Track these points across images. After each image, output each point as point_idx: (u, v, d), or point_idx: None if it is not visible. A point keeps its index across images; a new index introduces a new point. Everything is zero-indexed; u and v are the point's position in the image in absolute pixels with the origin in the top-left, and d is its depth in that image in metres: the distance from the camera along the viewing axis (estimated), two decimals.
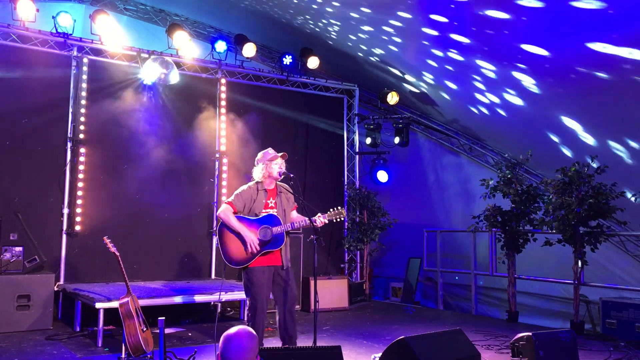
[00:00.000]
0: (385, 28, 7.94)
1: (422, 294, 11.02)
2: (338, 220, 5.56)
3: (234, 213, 5.47)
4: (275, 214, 5.53)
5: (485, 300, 9.98)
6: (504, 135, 9.56)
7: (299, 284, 8.81)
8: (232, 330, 2.91)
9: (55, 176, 8.03)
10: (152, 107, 8.71)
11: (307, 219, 5.41)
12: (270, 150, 5.66)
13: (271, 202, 5.58)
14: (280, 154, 5.60)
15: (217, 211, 8.93)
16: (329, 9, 8.19)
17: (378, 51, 9.12)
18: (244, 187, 5.63)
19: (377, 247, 10.55)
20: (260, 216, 5.48)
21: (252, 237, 5.38)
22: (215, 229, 8.93)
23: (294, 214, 5.74)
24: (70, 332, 7.07)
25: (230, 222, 5.42)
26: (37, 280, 7.22)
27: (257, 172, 5.62)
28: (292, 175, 5.51)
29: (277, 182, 5.69)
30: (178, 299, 6.89)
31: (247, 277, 5.46)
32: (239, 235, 5.41)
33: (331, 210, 5.52)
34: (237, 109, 9.52)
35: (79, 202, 8.08)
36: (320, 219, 5.44)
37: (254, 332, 2.95)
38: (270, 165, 5.55)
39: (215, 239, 8.89)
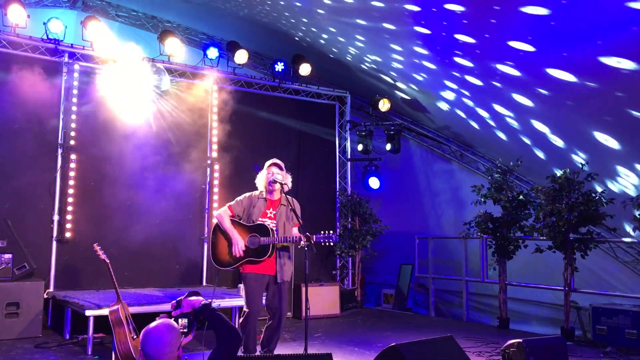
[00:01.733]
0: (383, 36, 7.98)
1: (413, 300, 11.02)
2: (327, 244, 5.45)
3: (231, 217, 5.52)
4: (273, 225, 5.51)
5: (476, 306, 10.00)
6: (495, 142, 9.60)
7: (290, 291, 8.78)
8: (152, 324, 2.94)
9: (45, 183, 7.98)
10: (143, 114, 8.67)
11: (301, 235, 5.33)
12: (272, 160, 5.70)
13: (270, 213, 5.57)
14: (271, 162, 5.62)
15: (209, 217, 8.95)
16: (320, 10, 8.22)
17: (372, 58, 9.15)
18: (247, 194, 5.69)
19: (368, 253, 10.55)
20: (253, 224, 5.49)
21: (239, 241, 5.41)
22: (206, 235, 8.91)
23: (295, 230, 5.63)
24: (60, 339, 7.02)
25: (223, 223, 5.49)
26: (27, 288, 7.17)
27: (259, 181, 5.68)
28: (283, 183, 5.49)
29: (284, 195, 5.61)
30: (168, 306, 6.84)
31: (243, 283, 5.54)
32: (228, 237, 5.45)
33: (323, 232, 5.42)
34: (229, 116, 9.50)
35: (69, 208, 8.03)
36: (304, 242, 5.25)
37: (174, 324, 2.97)
38: (265, 174, 5.59)
39: (206, 246, 8.87)
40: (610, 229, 7.62)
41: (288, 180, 5.65)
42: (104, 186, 8.32)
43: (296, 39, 9.74)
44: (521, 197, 8.32)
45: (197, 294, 3.47)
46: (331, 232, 5.46)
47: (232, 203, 5.63)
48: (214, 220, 5.66)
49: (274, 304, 5.54)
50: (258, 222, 5.50)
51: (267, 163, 5.67)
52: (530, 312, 9.29)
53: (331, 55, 9.85)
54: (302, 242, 5.24)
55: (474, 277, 9.58)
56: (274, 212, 5.59)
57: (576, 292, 7.83)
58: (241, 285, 5.85)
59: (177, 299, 3.45)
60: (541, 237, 7.82)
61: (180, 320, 3.31)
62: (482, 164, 10.16)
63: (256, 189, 5.71)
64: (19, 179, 7.77)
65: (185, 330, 3.29)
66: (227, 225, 5.46)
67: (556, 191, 7.53)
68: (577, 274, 7.70)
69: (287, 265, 5.59)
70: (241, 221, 5.54)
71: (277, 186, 5.55)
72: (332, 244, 5.52)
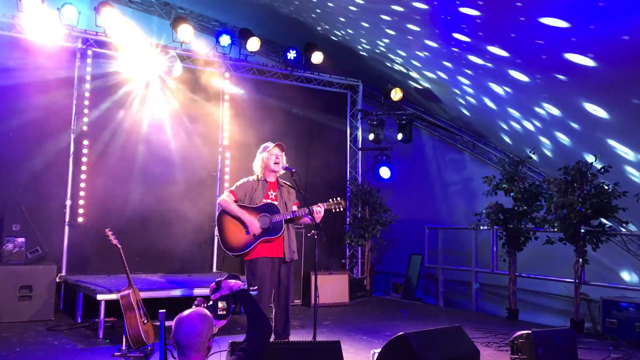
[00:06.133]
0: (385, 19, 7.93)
1: (422, 290, 11.03)
2: (337, 210, 5.52)
3: (235, 201, 5.49)
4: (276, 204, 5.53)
5: (485, 297, 9.98)
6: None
7: (299, 279, 8.83)
8: (185, 312, 2.89)
9: (58, 168, 8.05)
10: (155, 100, 8.72)
11: (306, 208, 5.40)
12: (269, 143, 5.67)
13: (272, 194, 5.59)
14: (275, 144, 5.60)
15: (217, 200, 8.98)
16: (330, 4, 8.18)
17: (382, 44, 9.10)
18: (245, 178, 5.66)
19: (378, 243, 10.55)
20: (260, 205, 5.49)
21: (252, 219, 5.39)
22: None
23: (294, 208, 5.72)
24: (72, 323, 7.11)
25: (230, 208, 5.44)
26: (39, 271, 7.26)
27: (256, 165, 5.66)
28: (294, 170, 5.51)
29: (279, 178, 5.69)
30: (178, 292, 6.92)
31: (250, 270, 5.45)
32: (239, 221, 5.42)
33: (331, 200, 5.51)
34: (241, 103, 9.52)
35: (81, 193, 8.11)
36: (317, 209, 5.39)
37: (207, 314, 2.92)
38: (267, 156, 5.56)
39: (216, 231, 8.91)
40: (622, 221, 7.55)
41: (284, 161, 5.65)
42: (115, 172, 8.38)
43: (308, 26, 9.69)
44: (533, 188, 8.27)
45: (236, 277, 3.43)
46: (338, 198, 5.50)
47: (233, 188, 5.59)
48: (219, 207, 5.61)
49: (281, 288, 5.52)
50: (264, 202, 5.50)
51: (269, 146, 5.60)
52: (539, 304, 9.26)
53: (344, 44, 9.80)
54: (317, 212, 5.33)
55: (483, 268, 9.56)
56: (275, 193, 5.62)
57: (586, 284, 7.79)
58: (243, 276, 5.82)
59: (217, 280, 3.40)
60: (552, 229, 7.77)
61: (220, 303, 3.25)
62: (494, 155, 10.10)
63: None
64: (32, 164, 7.84)
65: (224, 312, 3.24)
66: (235, 209, 5.43)
67: (568, 183, 7.47)
68: (588, 267, 7.66)
69: (293, 243, 5.61)
70: (245, 204, 5.52)
71: (281, 171, 5.57)
72: (341, 209, 5.53)
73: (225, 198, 5.51)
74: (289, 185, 5.75)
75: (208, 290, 3.45)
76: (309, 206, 5.35)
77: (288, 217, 5.48)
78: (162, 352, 3.02)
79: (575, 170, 7.39)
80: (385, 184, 10.83)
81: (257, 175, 5.63)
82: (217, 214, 5.66)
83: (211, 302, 3.31)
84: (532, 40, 6.33)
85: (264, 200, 5.52)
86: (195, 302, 3.24)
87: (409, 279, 10.79)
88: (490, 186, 8.48)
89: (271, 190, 5.60)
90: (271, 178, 5.63)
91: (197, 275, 8.37)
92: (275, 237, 5.44)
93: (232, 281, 3.34)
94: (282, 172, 5.63)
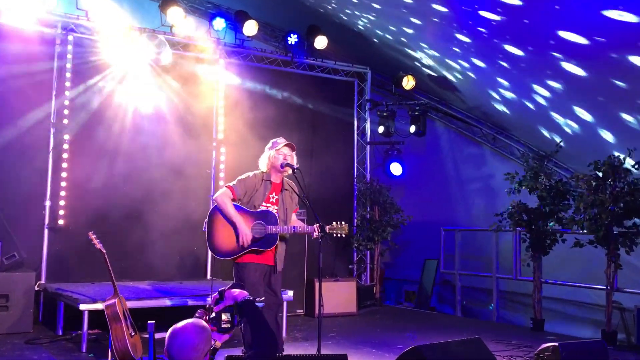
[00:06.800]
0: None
1: (438, 298, 11.03)
2: (339, 235, 5.51)
3: (233, 200, 5.49)
4: (275, 211, 5.53)
5: (508, 306, 9.98)
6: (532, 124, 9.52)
7: (302, 286, 8.83)
8: (180, 324, 2.87)
9: (37, 165, 8.05)
10: (143, 91, 8.71)
11: (306, 226, 5.42)
12: (280, 140, 5.67)
13: (273, 198, 5.59)
14: (286, 143, 5.60)
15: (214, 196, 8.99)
16: None
17: (392, 29, 9.09)
18: (250, 173, 5.66)
19: (389, 246, 10.55)
20: (258, 210, 5.49)
21: (246, 231, 5.39)
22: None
23: (293, 216, 5.75)
24: (52, 335, 7.12)
25: (226, 209, 5.43)
26: (17, 279, 7.27)
27: (262, 161, 5.67)
28: (296, 167, 5.51)
29: (285, 179, 5.69)
30: (168, 301, 6.93)
31: (238, 275, 5.49)
32: (232, 225, 5.43)
33: (335, 223, 5.49)
34: (237, 93, 9.51)
35: (62, 194, 8.12)
36: (316, 233, 5.39)
37: (205, 326, 2.91)
38: (275, 155, 5.56)
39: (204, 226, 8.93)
40: None
41: (294, 162, 5.66)
42: (100, 170, 8.36)
43: (310, 6, 9.68)
44: (560, 185, 8.25)
45: (241, 286, 3.41)
46: (343, 222, 5.48)
47: (233, 183, 5.57)
48: (214, 203, 5.62)
49: (271, 297, 5.56)
50: (263, 209, 5.50)
51: (279, 144, 5.62)
52: (567, 313, 9.26)
53: (350, 27, 9.78)
54: (314, 235, 5.31)
55: (505, 273, 9.56)
56: (277, 197, 5.62)
57: (619, 291, 7.78)
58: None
59: (219, 290, 3.36)
60: (581, 231, 7.76)
61: (223, 315, 3.23)
62: (517, 149, 10.09)
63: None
64: (8, 161, 7.85)
65: (228, 325, 3.23)
66: (231, 211, 5.42)
67: (599, 180, 7.45)
68: (620, 272, 7.64)
69: (283, 254, 5.67)
70: (241, 205, 5.53)
71: (290, 171, 5.56)
72: (344, 235, 5.52)
73: (223, 196, 5.49)
74: (292, 190, 5.75)
75: (200, 300, 3.44)
76: (310, 224, 5.39)
77: (284, 231, 5.50)
78: None
79: (607, 166, 7.37)
80: (397, 181, 10.83)
81: (262, 173, 5.63)
82: (210, 209, 5.65)
83: (214, 314, 3.27)
84: None
85: (264, 204, 5.52)
86: (197, 314, 3.23)
87: (423, 286, 10.79)
88: (512, 183, 8.47)
89: (273, 193, 5.60)
90: (276, 179, 5.64)
91: (190, 283, 8.38)
92: (264, 250, 5.47)
93: (237, 290, 3.32)
94: (289, 172, 5.62)
